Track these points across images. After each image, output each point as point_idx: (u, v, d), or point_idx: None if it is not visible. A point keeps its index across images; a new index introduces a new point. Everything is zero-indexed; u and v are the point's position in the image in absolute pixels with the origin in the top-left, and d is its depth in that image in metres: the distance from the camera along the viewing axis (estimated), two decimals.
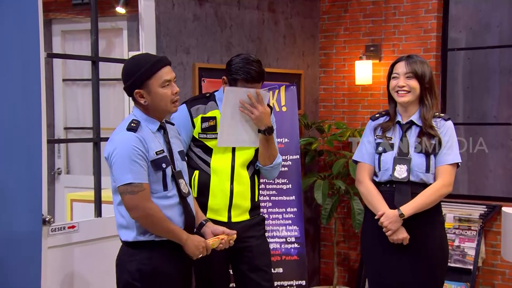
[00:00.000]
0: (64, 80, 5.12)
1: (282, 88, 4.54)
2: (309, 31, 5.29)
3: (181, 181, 2.66)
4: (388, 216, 2.99)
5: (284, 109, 4.52)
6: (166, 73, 2.60)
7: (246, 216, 3.13)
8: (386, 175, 3.07)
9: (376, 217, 3.03)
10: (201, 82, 4.16)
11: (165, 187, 2.61)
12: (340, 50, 5.29)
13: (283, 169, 4.40)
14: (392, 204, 3.02)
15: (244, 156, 3.11)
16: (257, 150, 3.15)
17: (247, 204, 3.12)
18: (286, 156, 4.49)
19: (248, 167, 3.14)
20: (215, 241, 2.75)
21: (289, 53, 5.09)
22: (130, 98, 2.66)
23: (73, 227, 3.34)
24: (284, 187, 4.43)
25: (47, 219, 3.12)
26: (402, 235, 2.99)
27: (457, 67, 5.01)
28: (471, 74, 5.00)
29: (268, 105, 3.19)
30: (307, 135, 5.06)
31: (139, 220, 2.55)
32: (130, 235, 2.59)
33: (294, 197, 4.52)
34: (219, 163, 3.07)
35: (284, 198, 4.45)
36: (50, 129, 4.97)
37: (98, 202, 3.54)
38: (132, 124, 2.57)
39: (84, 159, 5.13)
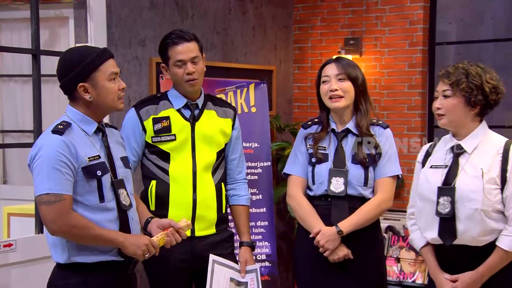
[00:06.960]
0: (0, 76, 5.07)
1: (251, 86, 4.51)
2: (282, 22, 5.32)
3: (121, 191, 2.63)
4: (325, 234, 3.04)
5: (253, 110, 4.49)
6: (112, 65, 2.63)
7: (212, 230, 3.15)
8: (321, 189, 3.14)
9: (311, 236, 3.08)
10: (159, 80, 4.15)
11: (102, 198, 2.57)
12: (316, 44, 5.34)
13: (252, 177, 4.40)
14: (329, 220, 3.08)
15: (205, 158, 3.12)
16: (218, 152, 3.17)
17: (213, 215, 3.14)
18: (256, 163, 4.48)
19: (214, 173, 3.16)
20: (161, 237, 2.68)
21: (259, 46, 5.11)
22: (67, 96, 2.67)
23: (10, 245, 3.33)
24: (254, 197, 4.39)
25: None
26: (343, 252, 3.06)
27: (447, 63, 4.98)
28: None
29: (234, 108, 3.29)
30: (280, 139, 5.09)
31: (59, 235, 2.51)
32: (62, 256, 2.56)
33: (265, 209, 4.50)
34: (178, 169, 3.08)
35: (254, 210, 4.42)
36: None
37: (39, 216, 3.38)
38: (60, 126, 2.55)
39: (23, 167, 4.95)
